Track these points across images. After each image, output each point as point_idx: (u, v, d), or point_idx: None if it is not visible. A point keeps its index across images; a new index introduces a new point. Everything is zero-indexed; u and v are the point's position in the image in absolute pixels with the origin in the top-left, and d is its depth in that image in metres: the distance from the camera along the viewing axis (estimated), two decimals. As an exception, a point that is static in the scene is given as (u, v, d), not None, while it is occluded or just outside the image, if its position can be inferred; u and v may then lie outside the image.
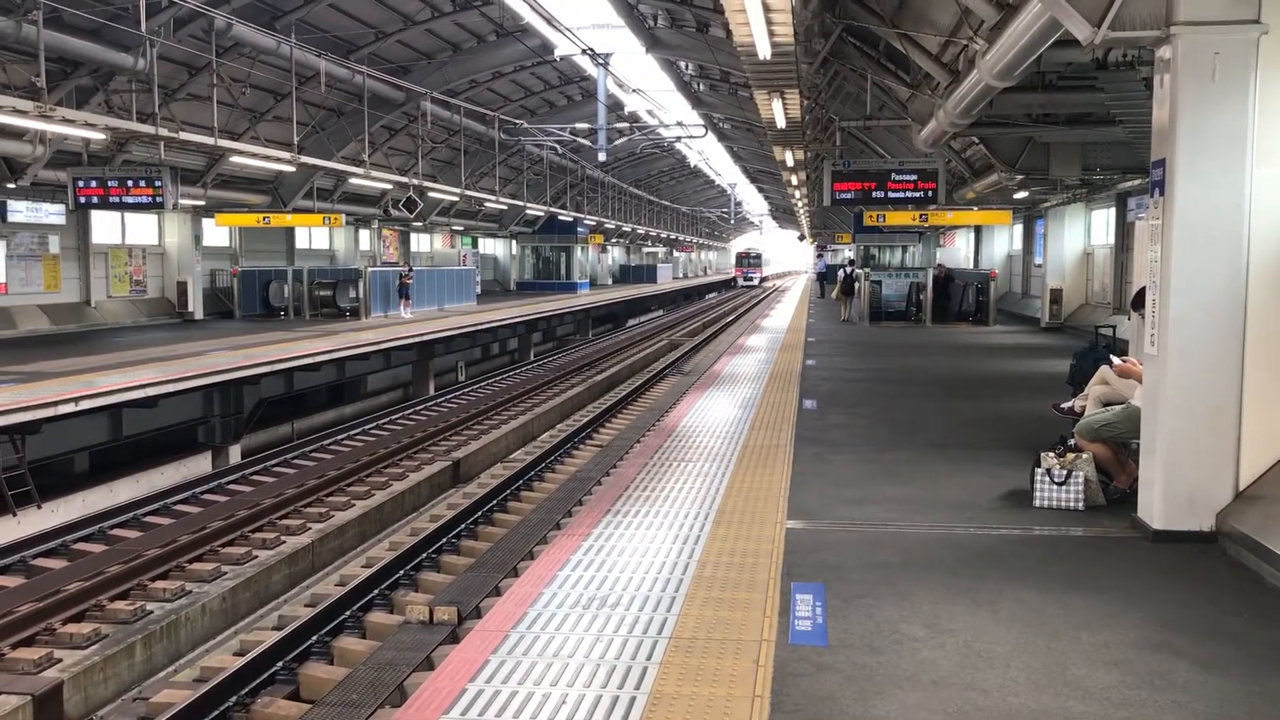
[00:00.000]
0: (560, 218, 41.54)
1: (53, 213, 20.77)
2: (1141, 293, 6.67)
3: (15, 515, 11.20)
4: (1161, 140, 6.05)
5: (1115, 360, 7.78)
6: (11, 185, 18.19)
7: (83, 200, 18.53)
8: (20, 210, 20.04)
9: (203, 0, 16.34)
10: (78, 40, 16.28)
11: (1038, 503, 6.87)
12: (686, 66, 29.49)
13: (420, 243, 38.50)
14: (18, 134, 16.40)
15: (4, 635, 7.55)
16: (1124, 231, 20.57)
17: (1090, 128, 13.50)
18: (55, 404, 11.22)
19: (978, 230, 33.96)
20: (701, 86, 31.78)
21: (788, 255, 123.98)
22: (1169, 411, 6.00)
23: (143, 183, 18.26)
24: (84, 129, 14.73)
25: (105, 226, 22.74)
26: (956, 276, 27.35)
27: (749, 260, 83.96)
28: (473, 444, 15.24)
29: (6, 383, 12.38)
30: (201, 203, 23.11)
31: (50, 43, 14.94)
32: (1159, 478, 6.07)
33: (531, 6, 18.12)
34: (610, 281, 57.51)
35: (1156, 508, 6.09)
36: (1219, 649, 4.49)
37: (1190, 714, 3.88)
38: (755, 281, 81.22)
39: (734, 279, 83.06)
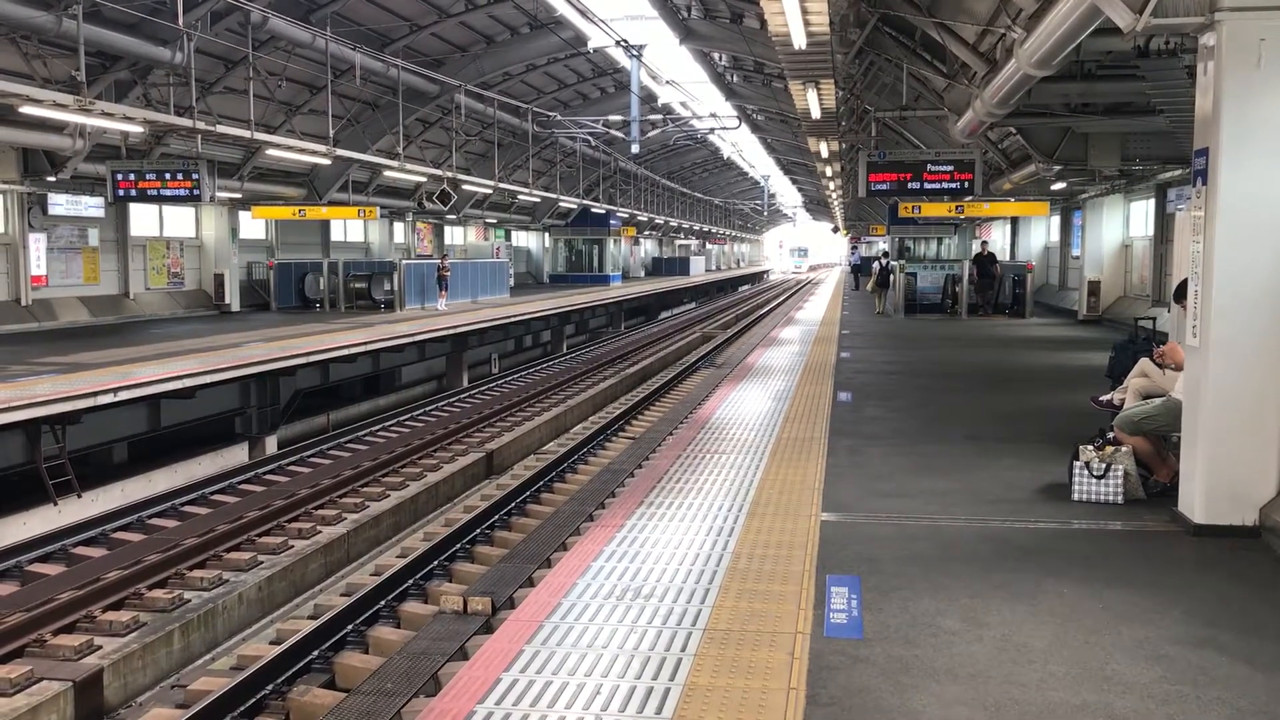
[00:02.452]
0: (593, 210, 41.53)
1: (92, 206, 20.98)
2: (1184, 285, 6.57)
3: (56, 504, 11.35)
4: (1205, 129, 5.94)
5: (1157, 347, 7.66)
6: (52, 179, 18.40)
7: (121, 193, 18.71)
8: (60, 203, 20.26)
9: (239, -6, 16.45)
10: (117, 34, 16.42)
11: (1076, 496, 6.79)
12: (720, 58, 29.39)
13: (454, 235, 38.61)
14: (58, 128, 16.58)
15: (45, 622, 7.65)
16: (1164, 223, 20.30)
17: (1130, 117, 13.31)
18: (95, 394, 11.35)
19: (1014, 222, 33.59)
20: (735, 78, 31.65)
21: (825, 248, 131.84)
22: (1211, 404, 5.90)
23: (180, 176, 18.40)
24: (123, 122, 14.88)
25: (143, 219, 22.95)
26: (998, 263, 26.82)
27: (799, 252, 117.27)
28: (506, 436, 15.28)
29: (47, 373, 12.54)
30: (238, 196, 23.28)
31: (90, 37, 15.08)
32: (1200, 471, 5.99)
33: (565, -2, 18.11)
34: (643, 274, 57.43)
35: (1198, 502, 6.00)
36: (1263, 645, 4.41)
37: (1234, 710, 3.82)
38: (804, 267, 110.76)
39: (768, 271, 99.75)
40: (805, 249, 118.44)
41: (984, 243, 26.86)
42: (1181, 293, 6.67)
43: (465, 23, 24.36)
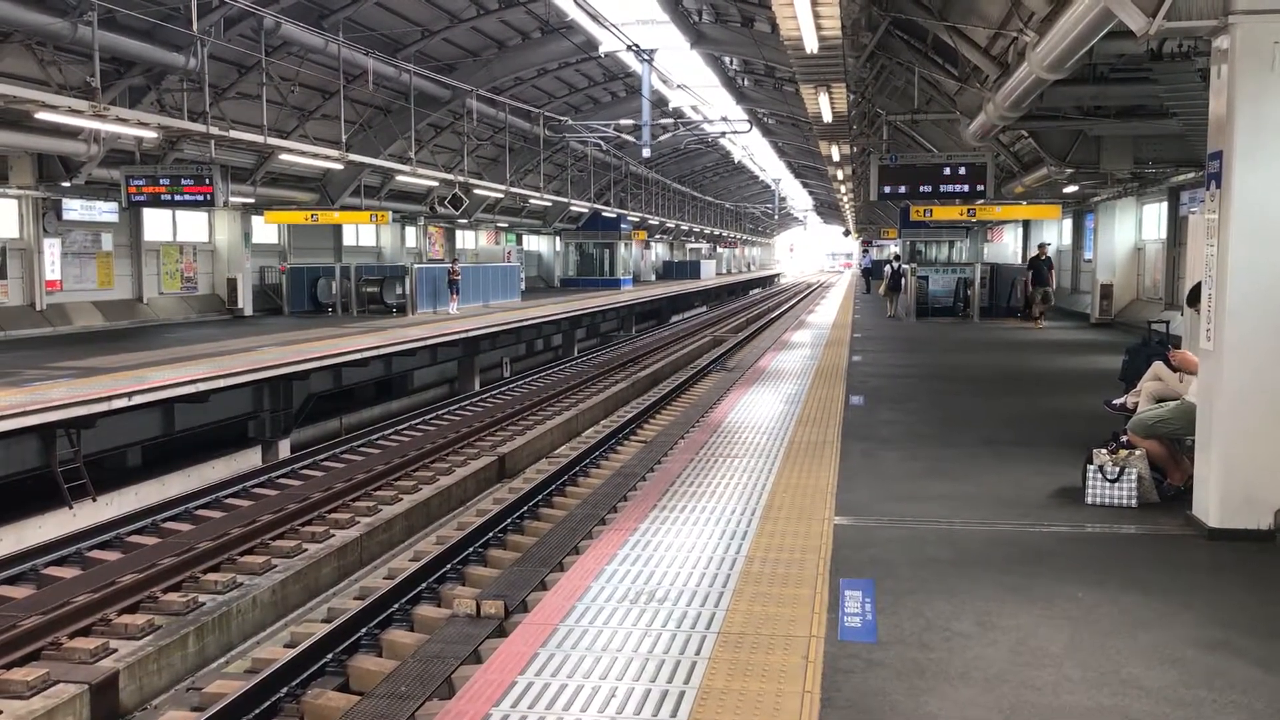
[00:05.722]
0: (604, 214, 41.61)
1: (106, 211, 21.10)
2: (1197, 288, 6.56)
3: (71, 508, 11.40)
4: (1219, 132, 5.93)
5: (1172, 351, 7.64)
6: (66, 184, 18.51)
7: (135, 198, 18.80)
8: (75, 209, 20.38)
9: (252, 0, 16.53)
10: (131, 40, 16.50)
11: (1090, 500, 6.77)
12: (731, 61, 29.40)
13: (465, 239, 38.70)
14: (73, 133, 16.68)
15: (62, 625, 7.69)
16: (1176, 226, 20.23)
17: (1143, 120, 13.26)
18: (109, 399, 11.40)
19: (1026, 225, 33.52)
20: (746, 81, 31.67)
21: (840, 251, 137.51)
22: (1225, 407, 5.90)
23: (193, 181, 18.49)
24: (137, 128, 14.95)
25: (157, 224, 23.07)
26: (1018, 267, 24.99)
27: (833, 256, 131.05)
28: (518, 439, 15.30)
29: (62, 378, 12.60)
30: (251, 200, 23.38)
31: (104, 43, 15.17)
32: (1215, 475, 5.97)
33: (577, 3, 18.16)
34: (654, 278, 57.45)
35: (1212, 505, 5.99)
36: (1279, 648, 4.40)
37: (1250, 714, 3.81)
38: (838, 266, 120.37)
39: (778, 275, 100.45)
40: (836, 253, 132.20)
41: (1041, 245, 24.76)
42: (1195, 296, 6.66)
43: (477, 28, 24.42)
